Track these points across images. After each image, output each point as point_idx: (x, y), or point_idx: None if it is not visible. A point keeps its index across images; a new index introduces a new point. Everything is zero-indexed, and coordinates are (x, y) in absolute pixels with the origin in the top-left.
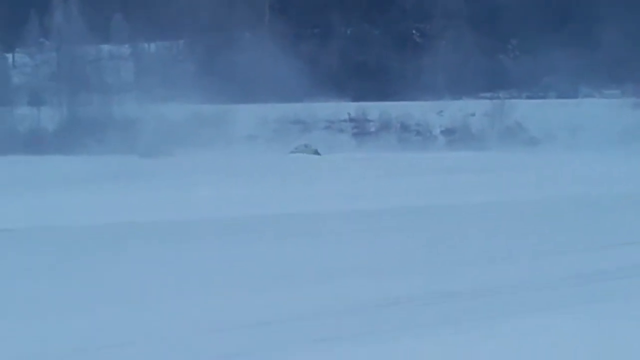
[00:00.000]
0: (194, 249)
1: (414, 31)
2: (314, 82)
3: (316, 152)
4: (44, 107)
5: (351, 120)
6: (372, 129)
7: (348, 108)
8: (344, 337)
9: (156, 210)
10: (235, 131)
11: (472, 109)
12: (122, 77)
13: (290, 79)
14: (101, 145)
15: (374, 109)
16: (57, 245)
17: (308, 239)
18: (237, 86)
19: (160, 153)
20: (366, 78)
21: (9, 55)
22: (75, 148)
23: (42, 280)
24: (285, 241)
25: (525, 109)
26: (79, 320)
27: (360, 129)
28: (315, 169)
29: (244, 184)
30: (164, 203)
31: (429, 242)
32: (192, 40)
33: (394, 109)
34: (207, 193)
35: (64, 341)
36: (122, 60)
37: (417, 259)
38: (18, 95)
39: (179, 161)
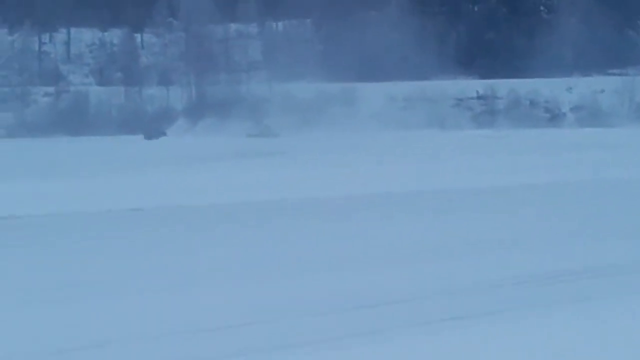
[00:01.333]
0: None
1: (541, 7)
2: (441, 60)
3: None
4: (173, 87)
5: (480, 97)
6: (501, 107)
7: (476, 86)
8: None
9: (297, 187)
10: (362, 109)
11: (602, 86)
12: (250, 56)
13: (417, 57)
14: (230, 123)
15: (502, 86)
16: (192, 222)
17: (458, 214)
18: (364, 64)
19: (288, 131)
20: (494, 55)
21: (138, 36)
22: (204, 127)
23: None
24: (444, 216)
25: None
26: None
27: (489, 106)
28: (441, 147)
29: (359, 162)
30: (305, 180)
31: (574, 216)
32: (319, 18)
33: (523, 86)
34: (329, 171)
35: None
36: (250, 39)
37: (570, 234)
38: (147, 75)
39: (308, 139)
